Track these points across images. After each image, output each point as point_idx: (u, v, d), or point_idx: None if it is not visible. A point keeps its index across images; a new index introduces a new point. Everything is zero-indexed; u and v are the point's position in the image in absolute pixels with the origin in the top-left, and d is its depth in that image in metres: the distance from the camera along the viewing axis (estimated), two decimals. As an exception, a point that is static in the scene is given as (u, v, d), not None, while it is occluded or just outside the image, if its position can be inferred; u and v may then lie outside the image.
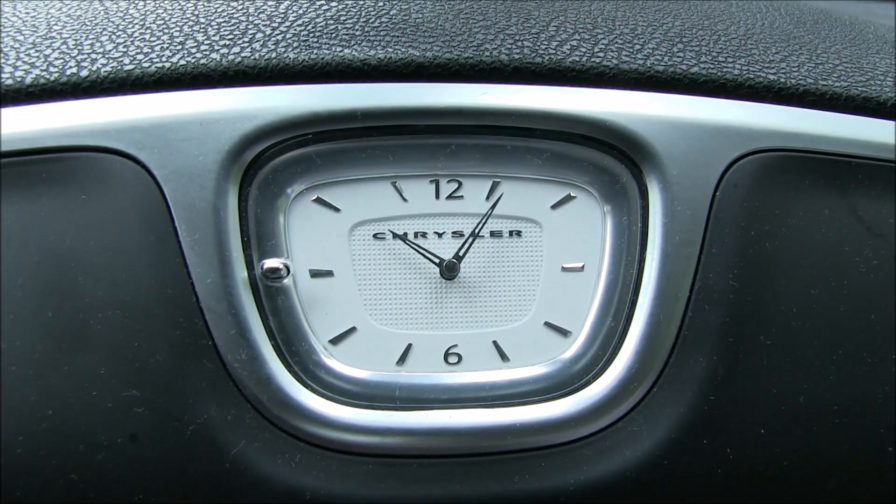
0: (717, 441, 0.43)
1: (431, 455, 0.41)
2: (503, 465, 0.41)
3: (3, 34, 0.48)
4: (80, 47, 0.46)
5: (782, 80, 0.49)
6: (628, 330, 0.43)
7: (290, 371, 0.41)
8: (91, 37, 0.47)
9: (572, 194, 0.46)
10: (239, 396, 0.40)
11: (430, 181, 0.45)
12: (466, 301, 0.44)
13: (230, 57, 0.44)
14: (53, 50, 0.46)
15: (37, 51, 0.46)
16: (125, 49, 0.45)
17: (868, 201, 0.47)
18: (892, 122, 0.50)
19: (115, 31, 0.47)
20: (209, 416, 0.40)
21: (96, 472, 0.40)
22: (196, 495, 0.40)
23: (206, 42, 0.45)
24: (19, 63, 0.45)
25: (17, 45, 0.46)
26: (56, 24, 0.48)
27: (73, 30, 0.47)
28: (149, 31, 0.47)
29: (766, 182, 0.45)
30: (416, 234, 0.44)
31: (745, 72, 0.48)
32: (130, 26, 0.47)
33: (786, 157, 0.46)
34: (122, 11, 0.49)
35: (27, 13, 0.50)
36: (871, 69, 0.52)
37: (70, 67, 0.45)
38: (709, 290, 0.43)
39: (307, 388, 0.41)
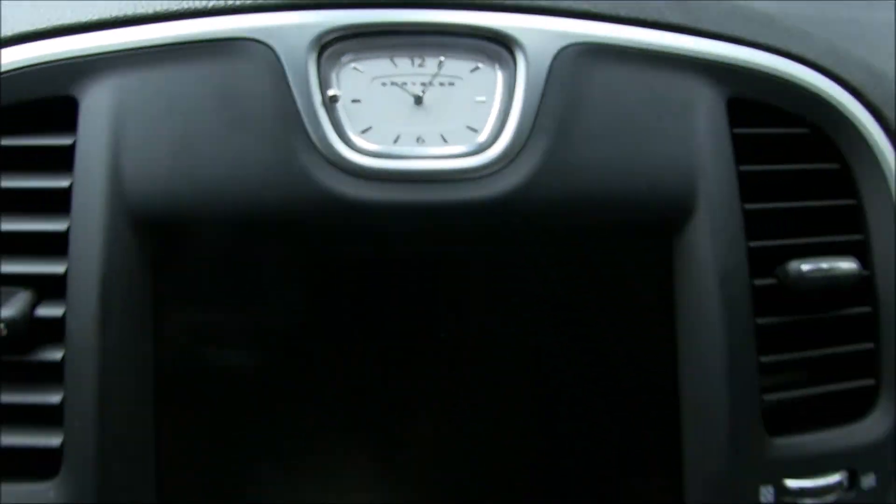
0: (558, 180, 0.86)
1: (407, 179, 0.85)
2: (441, 187, 0.85)
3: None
4: (227, -6, 0.90)
5: (598, 9, 0.93)
6: (506, 126, 0.86)
7: (343, 143, 0.85)
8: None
9: (480, 66, 0.89)
10: (322, 159, 0.83)
11: (409, 58, 0.89)
12: (428, 116, 0.87)
13: (309, -3, 0.89)
14: (212, -6, 0.90)
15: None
16: (254, -6, 0.90)
17: (654, 73, 0.91)
18: (669, 33, 0.93)
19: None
20: (309, 165, 0.83)
21: (248, 201, 0.82)
22: (297, 201, 0.84)
23: (294, -10, 0.90)
24: None
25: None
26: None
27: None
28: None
29: (584, 59, 0.89)
30: (402, 84, 0.88)
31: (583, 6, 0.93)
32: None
33: (598, 45, 0.90)
34: None
35: None
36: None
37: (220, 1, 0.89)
38: (548, 109, 0.86)
39: (350, 149, 0.85)
